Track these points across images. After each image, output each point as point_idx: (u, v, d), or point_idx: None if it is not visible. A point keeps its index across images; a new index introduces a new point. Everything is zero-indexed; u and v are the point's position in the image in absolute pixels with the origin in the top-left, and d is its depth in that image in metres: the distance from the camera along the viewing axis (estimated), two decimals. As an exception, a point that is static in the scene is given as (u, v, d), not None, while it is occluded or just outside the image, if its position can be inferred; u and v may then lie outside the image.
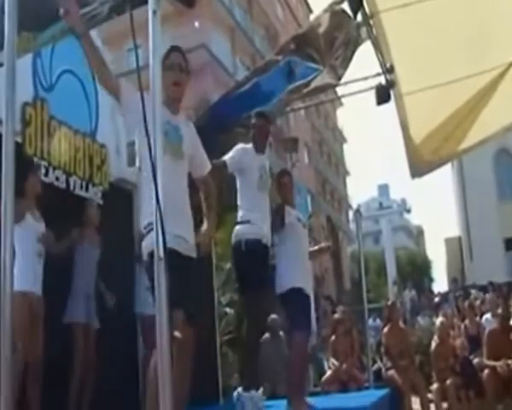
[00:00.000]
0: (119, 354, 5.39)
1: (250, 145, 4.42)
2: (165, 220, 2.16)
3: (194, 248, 3.09)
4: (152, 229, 2.76)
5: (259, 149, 4.44)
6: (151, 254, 2.64)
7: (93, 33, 6.09)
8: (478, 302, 10.68)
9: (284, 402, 4.29)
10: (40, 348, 4.40)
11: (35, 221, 4.55)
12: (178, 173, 3.00)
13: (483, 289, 16.17)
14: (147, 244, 2.86)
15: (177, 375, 2.80)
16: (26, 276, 4.31)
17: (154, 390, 2.74)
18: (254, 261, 4.04)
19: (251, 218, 4.14)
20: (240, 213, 4.24)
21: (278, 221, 4.33)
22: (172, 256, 2.30)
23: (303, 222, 4.67)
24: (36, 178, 4.69)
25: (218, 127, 5.25)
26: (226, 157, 4.22)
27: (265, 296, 4.18)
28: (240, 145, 4.36)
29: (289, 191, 4.74)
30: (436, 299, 17.68)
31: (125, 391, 5.48)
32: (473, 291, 16.28)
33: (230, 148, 5.74)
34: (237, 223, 4.23)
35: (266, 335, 7.07)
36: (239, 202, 4.32)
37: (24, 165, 4.74)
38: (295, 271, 4.34)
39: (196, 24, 22.21)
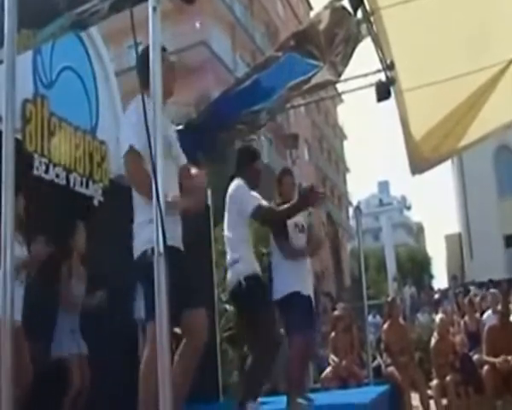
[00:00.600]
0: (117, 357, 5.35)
1: (243, 182, 4.25)
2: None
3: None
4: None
5: (253, 187, 4.31)
6: (148, 251, 2.67)
7: (93, 30, 6.14)
8: (477, 299, 10.69)
9: (284, 399, 4.31)
10: (29, 377, 4.12)
11: (19, 246, 4.17)
12: (172, 175, 2.98)
13: (483, 285, 16.20)
14: (142, 241, 2.85)
15: (178, 372, 2.81)
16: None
17: (145, 384, 2.75)
18: (257, 297, 3.99)
19: (237, 257, 4.09)
20: (227, 255, 4.18)
21: (282, 234, 4.37)
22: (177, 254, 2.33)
23: (300, 226, 4.60)
24: (20, 198, 4.18)
25: (218, 124, 5.24)
26: (256, 204, 4.08)
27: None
28: (241, 184, 4.19)
29: (291, 192, 4.65)
30: (436, 296, 17.72)
31: (123, 396, 5.47)
32: (472, 288, 16.30)
33: (230, 144, 5.76)
34: (228, 265, 4.17)
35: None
36: (228, 236, 4.22)
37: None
38: (290, 278, 4.33)
39: (197, 25, 22.17)
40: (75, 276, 5.10)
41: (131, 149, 2.91)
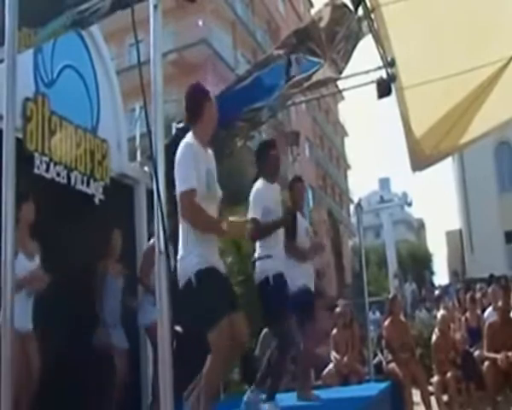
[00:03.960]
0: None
1: (263, 181, 4.34)
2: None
3: None
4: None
5: (271, 180, 4.37)
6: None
7: (94, 29, 6.13)
8: (478, 295, 10.67)
9: (292, 395, 4.36)
10: (34, 382, 4.25)
11: (25, 259, 4.31)
12: (215, 210, 3.37)
13: (483, 281, 16.17)
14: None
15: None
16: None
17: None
18: (282, 295, 4.08)
19: (271, 253, 4.14)
20: (259, 248, 4.22)
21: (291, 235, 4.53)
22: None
23: (308, 231, 4.87)
24: (30, 206, 4.40)
25: (218, 122, 5.24)
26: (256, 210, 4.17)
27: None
28: (259, 184, 4.29)
29: (301, 197, 5.00)
30: (437, 292, 17.69)
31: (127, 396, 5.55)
32: (472, 284, 16.27)
33: (231, 142, 5.74)
34: (258, 258, 4.20)
35: (266, 330, 7.07)
36: None
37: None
38: (296, 276, 4.48)
39: (200, 23, 22.14)
40: (111, 273, 5.39)
41: (189, 191, 3.11)
